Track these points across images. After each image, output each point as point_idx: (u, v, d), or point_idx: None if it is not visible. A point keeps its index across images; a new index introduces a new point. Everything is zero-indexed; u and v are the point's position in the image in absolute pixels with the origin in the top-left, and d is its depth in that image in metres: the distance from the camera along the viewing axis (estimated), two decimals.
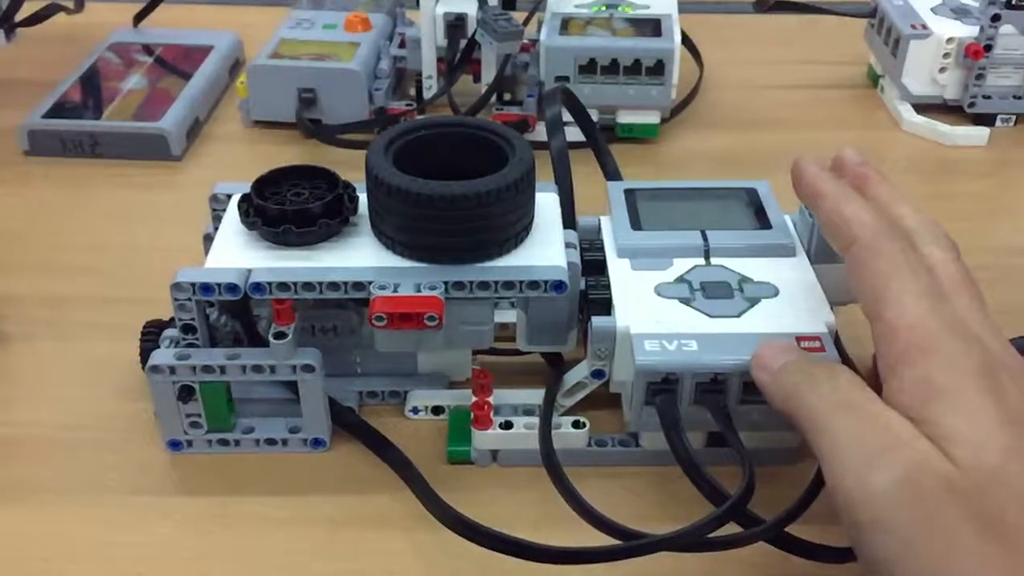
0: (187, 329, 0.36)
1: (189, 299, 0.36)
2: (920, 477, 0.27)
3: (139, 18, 0.69)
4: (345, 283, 0.35)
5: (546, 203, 0.39)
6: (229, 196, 0.40)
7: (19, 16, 0.61)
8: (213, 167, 0.58)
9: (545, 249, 0.37)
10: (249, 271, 0.36)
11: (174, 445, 0.38)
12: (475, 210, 0.35)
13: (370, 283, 0.35)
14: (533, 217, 0.38)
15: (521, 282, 0.36)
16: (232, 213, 0.39)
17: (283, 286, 0.35)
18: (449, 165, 0.37)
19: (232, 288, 0.35)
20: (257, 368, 0.36)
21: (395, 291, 0.35)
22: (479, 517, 0.34)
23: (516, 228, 0.37)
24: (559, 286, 0.36)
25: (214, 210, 0.40)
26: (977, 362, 0.28)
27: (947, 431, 0.27)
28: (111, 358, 0.42)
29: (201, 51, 0.66)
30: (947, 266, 0.32)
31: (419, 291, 0.35)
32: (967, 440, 0.27)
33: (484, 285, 0.36)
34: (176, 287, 0.35)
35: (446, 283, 0.35)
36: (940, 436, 0.27)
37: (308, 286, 0.35)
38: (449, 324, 0.36)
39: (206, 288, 0.35)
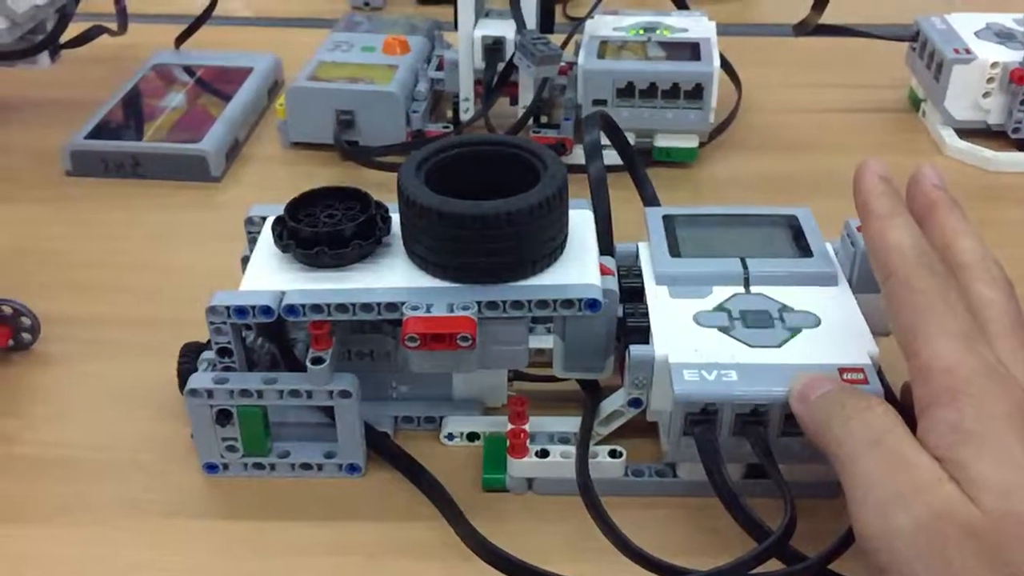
0: (223, 352, 0.37)
1: (224, 322, 0.36)
2: (941, 522, 0.26)
3: (181, 40, 0.70)
4: (378, 304, 0.35)
5: (580, 220, 0.39)
6: (264, 218, 0.40)
7: (63, 38, 0.62)
8: (252, 188, 0.58)
9: (579, 267, 0.37)
10: (283, 293, 0.36)
11: (210, 468, 0.38)
12: (507, 229, 0.35)
13: (403, 304, 0.35)
14: (567, 235, 0.37)
15: (555, 301, 0.35)
16: (266, 236, 0.39)
17: (316, 308, 0.35)
18: (482, 183, 0.36)
19: (266, 311, 0.35)
20: (294, 393, 0.36)
21: (428, 312, 0.35)
22: (514, 547, 0.33)
23: (550, 246, 0.36)
24: (593, 304, 0.35)
25: (250, 233, 0.40)
26: (1012, 407, 0.28)
27: (975, 475, 0.27)
28: (149, 379, 0.42)
29: (241, 72, 0.67)
30: (997, 306, 0.31)
31: (452, 311, 0.35)
32: (994, 486, 0.26)
33: (518, 305, 0.35)
34: (211, 311, 0.36)
35: (479, 303, 0.35)
36: (967, 480, 0.27)
37: (341, 308, 0.35)
38: (483, 344, 0.35)
39: (240, 311, 0.35)
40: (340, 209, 0.38)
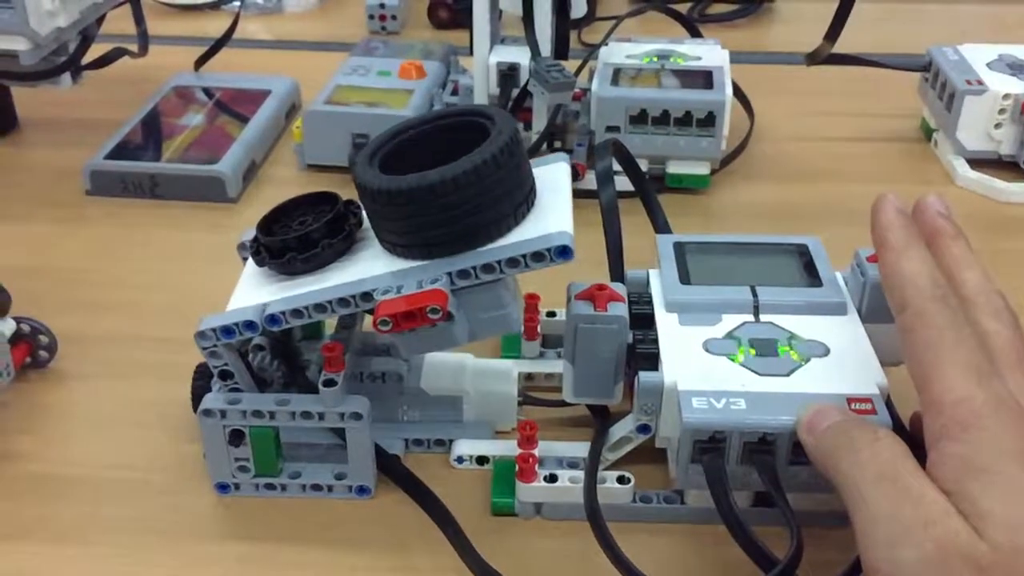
0: (224, 375, 0.37)
1: (215, 345, 0.36)
2: (948, 556, 0.26)
3: (200, 62, 0.71)
4: (353, 297, 0.35)
5: (553, 173, 0.38)
6: None
7: (85, 59, 0.63)
8: (267, 209, 0.58)
9: (550, 219, 0.35)
10: (265, 306, 0.36)
11: (222, 488, 0.38)
12: (458, 193, 0.33)
13: (375, 291, 0.35)
14: (533, 187, 0.36)
15: (524, 256, 0.34)
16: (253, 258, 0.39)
17: (296, 313, 0.35)
18: (443, 159, 0.34)
19: (250, 325, 0.35)
20: (306, 414, 0.36)
21: (399, 292, 0.34)
22: (521, 571, 0.34)
23: (511, 203, 0.35)
24: (564, 251, 0.34)
25: (244, 258, 0.41)
26: (1022, 442, 0.28)
27: (982, 510, 0.27)
28: (164, 399, 0.43)
29: (259, 95, 0.68)
30: (1003, 340, 0.31)
31: (421, 287, 0.34)
32: (1002, 521, 0.26)
33: (488, 268, 0.34)
34: (200, 336, 0.36)
35: (449, 274, 0.34)
36: (975, 514, 0.27)
37: (320, 308, 0.35)
38: (469, 315, 0.35)
39: (227, 331, 0.36)
40: (312, 215, 0.38)
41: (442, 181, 0.33)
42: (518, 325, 0.37)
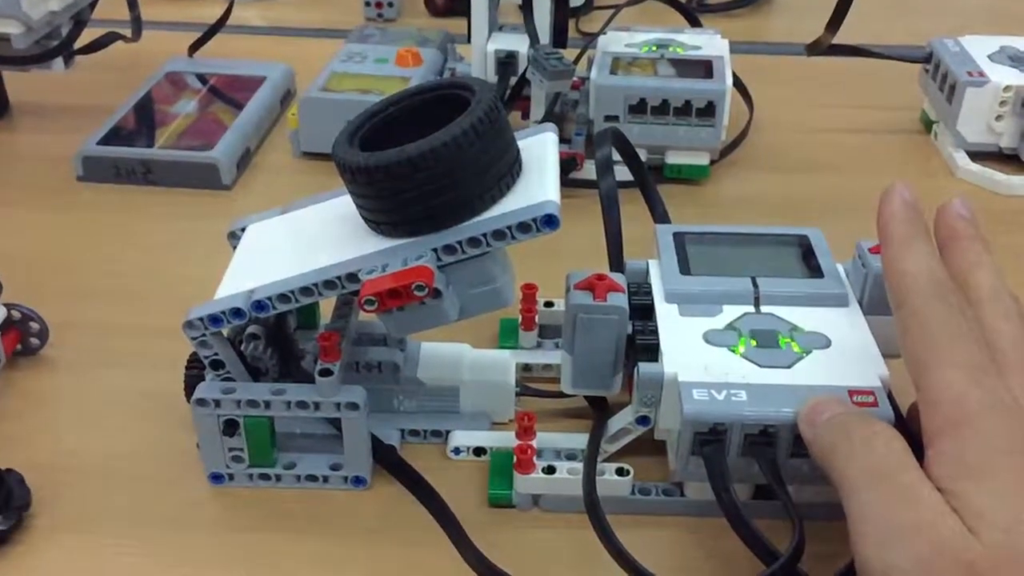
0: (215, 365, 0.36)
1: (204, 334, 0.36)
2: (941, 557, 0.26)
3: (194, 48, 0.70)
4: (339, 278, 0.35)
5: (539, 144, 0.37)
6: (243, 229, 0.40)
7: (78, 43, 0.62)
8: (262, 197, 0.58)
9: (535, 189, 0.35)
10: (252, 292, 0.36)
11: (216, 478, 0.38)
12: (437, 167, 0.33)
13: (360, 271, 0.34)
14: (518, 160, 0.36)
15: (510, 228, 0.33)
16: (242, 245, 0.39)
17: (283, 298, 0.35)
18: (427, 135, 0.34)
19: (237, 312, 0.35)
20: (302, 404, 0.36)
21: (383, 271, 0.34)
22: (518, 563, 0.33)
23: (494, 175, 0.34)
24: (549, 220, 0.33)
25: (234, 246, 0.40)
26: (1018, 442, 0.27)
27: (976, 509, 0.27)
28: (157, 388, 0.42)
29: (254, 81, 0.67)
30: (1011, 340, 0.30)
31: (406, 265, 0.34)
32: (994, 521, 0.26)
33: (474, 241, 0.34)
34: (188, 325, 0.35)
35: (435, 249, 0.34)
36: (969, 513, 0.27)
37: (306, 291, 0.35)
38: (459, 291, 0.35)
39: (214, 319, 0.35)
40: None
41: (420, 154, 0.33)
42: (510, 299, 0.36)
